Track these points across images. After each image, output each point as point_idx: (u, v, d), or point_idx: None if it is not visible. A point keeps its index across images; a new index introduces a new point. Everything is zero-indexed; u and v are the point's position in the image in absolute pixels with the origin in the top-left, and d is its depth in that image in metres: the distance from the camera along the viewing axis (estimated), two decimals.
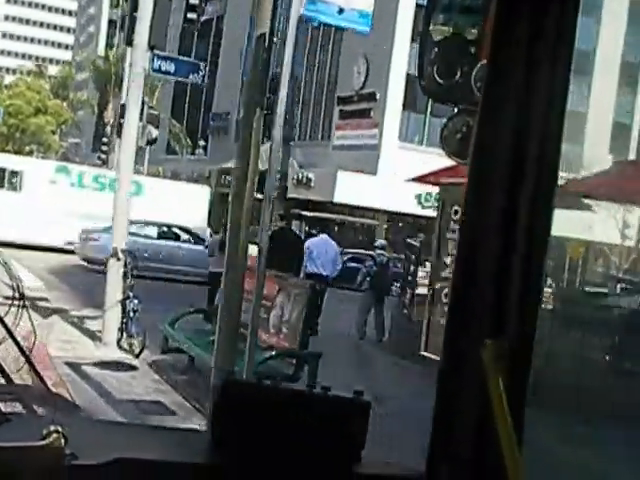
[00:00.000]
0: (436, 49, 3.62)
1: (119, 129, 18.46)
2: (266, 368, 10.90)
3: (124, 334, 15.74)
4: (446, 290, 15.03)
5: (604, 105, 50.85)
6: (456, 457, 2.26)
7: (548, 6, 2.22)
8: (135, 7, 17.34)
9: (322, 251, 20.28)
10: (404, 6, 48.96)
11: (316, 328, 16.03)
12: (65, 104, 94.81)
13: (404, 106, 52.36)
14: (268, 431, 2.21)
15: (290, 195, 51.65)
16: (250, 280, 14.39)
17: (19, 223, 33.13)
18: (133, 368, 14.33)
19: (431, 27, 3.62)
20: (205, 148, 73.11)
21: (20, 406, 2.63)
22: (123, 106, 18.04)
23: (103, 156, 57.32)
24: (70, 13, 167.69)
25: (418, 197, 49.98)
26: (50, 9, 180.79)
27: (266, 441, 2.21)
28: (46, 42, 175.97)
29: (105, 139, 60.01)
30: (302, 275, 18.88)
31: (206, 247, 25.96)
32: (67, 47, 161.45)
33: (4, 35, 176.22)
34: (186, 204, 36.67)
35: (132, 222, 17.95)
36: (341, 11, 12.75)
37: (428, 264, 21.57)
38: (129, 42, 17.92)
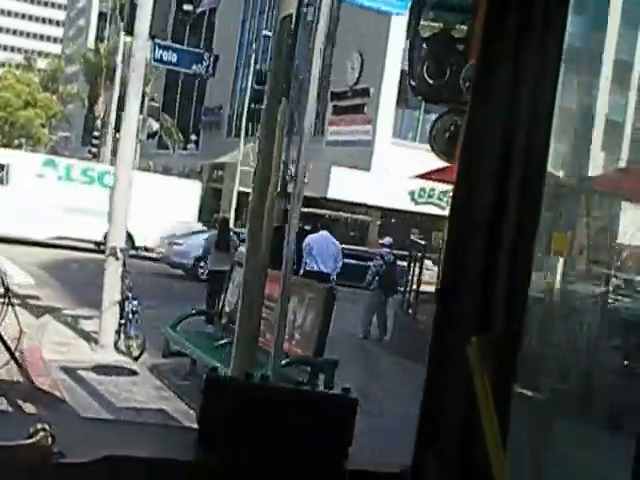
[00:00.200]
0: (425, 47, 3.64)
1: (117, 122, 17.76)
2: (279, 376, 10.25)
3: (122, 336, 15.11)
4: None
5: (597, 103, 50.48)
6: (442, 454, 2.27)
7: None
8: None
9: (322, 248, 19.80)
10: None
11: None
12: (55, 97, 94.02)
13: (398, 102, 51.97)
14: (256, 428, 2.22)
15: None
16: None
17: (5, 217, 32.55)
18: (133, 373, 13.68)
19: (420, 24, 3.61)
20: (197, 143, 72.78)
21: (6, 402, 2.64)
22: (122, 98, 17.29)
23: (94, 150, 56.58)
24: (60, 6, 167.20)
25: (412, 193, 49.77)
26: (39, 2, 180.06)
27: (254, 438, 2.21)
28: (35, 35, 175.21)
29: (96, 132, 59.25)
30: (301, 272, 18.38)
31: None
32: (56, 40, 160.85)
33: None
34: (176, 199, 36.05)
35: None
36: None
37: (427, 262, 21.22)
38: (129, 31, 17.12)
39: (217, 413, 2.23)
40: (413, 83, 3.68)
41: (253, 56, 60.80)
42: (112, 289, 15.40)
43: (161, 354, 14.25)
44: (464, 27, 3.35)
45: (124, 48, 46.70)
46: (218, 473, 2.19)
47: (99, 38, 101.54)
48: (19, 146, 78.08)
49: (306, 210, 50.24)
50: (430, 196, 48.66)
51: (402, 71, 47.79)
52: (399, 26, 49.33)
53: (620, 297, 13.65)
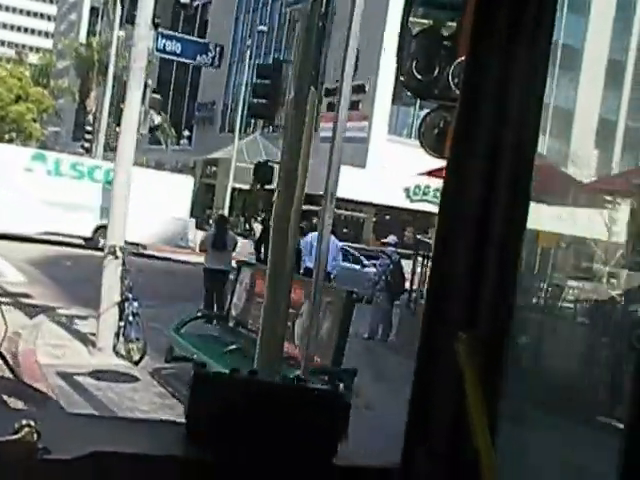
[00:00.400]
0: (415, 43, 3.61)
1: (110, 117, 17.04)
2: None
3: (121, 339, 14.45)
4: None
5: (591, 102, 51.18)
6: (432, 451, 2.28)
7: None
8: None
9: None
10: None
11: None
12: (46, 92, 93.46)
13: (393, 99, 51.74)
14: (245, 424, 2.21)
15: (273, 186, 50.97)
16: (262, 282, 13.31)
17: None
18: (134, 379, 12.99)
19: (410, 20, 3.62)
20: (189, 138, 72.68)
21: None
22: (117, 92, 16.56)
23: (87, 145, 55.94)
24: (51, 1, 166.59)
25: (407, 190, 49.65)
26: None
27: (243, 433, 2.20)
28: (26, 29, 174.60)
29: (89, 127, 58.65)
30: (301, 271, 17.85)
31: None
32: (48, 35, 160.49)
33: None
34: (168, 194, 35.40)
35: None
36: None
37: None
38: (130, 20, 16.42)
39: (205, 408, 2.21)
40: (402, 78, 3.67)
41: (248, 52, 60.46)
42: (111, 289, 14.72)
43: (163, 358, 13.51)
44: (453, 24, 3.31)
45: (118, 42, 46.54)
46: (206, 468, 2.16)
47: (91, 33, 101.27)
48: (10, 141, 77.21)
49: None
50: (425, 193, 48.53)
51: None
52: (395, 23, 49.07)
53: None
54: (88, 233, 34.23)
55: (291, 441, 2.23)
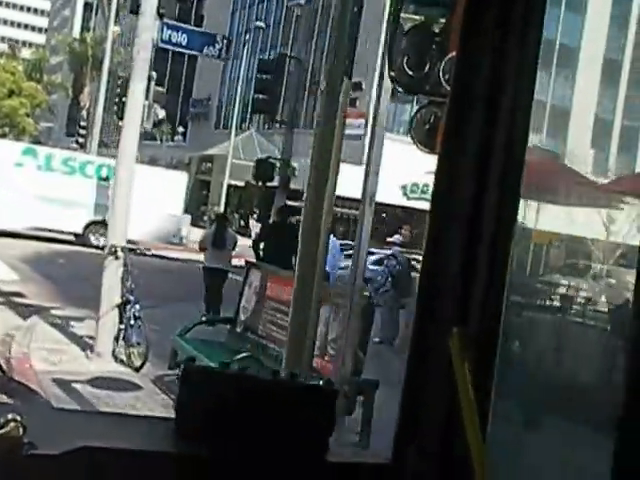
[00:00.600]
0: (405, 40, 3.65)
1: (120, 109, 16.39)
2: None
3: (122, 343, 13.81)
4: None
5: (587, 101, 51.62)
6: (423, 447, 2.30)
7: None
8: None
9: None
10: None
11: None
12: (39, 87, 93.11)
13: (390, 97, 51.35)
14: (235, 419, 2.20)
15: (273, 184, 50.91)
16: (273, 285, 12.73)
17: None
18: (135, 386, 12.34)
19: (401, 16, 3.64)
20: (184, 134, 72.48)
21: None
22: (126, 82, 15.88)
23: (81, 140, 55.27)
24: None
25: (404, 188, 49.39)
26: None
27: (232, 429, 2.18)
28: (19, 24, 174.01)
29: (83, 122, 58.04)
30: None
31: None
32: (41, 30, 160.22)
33: None
34: (161, 190, 34.80)
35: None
36: None
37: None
38: (135, 10, 15.74)
39: (195, 403, 2.20)
40: (393, 74, 3.68)
41: (246, 47, 60.19)
42: (111, 291, 14.06)
43: (165, 364, 12.80)
44: (443, 20, 3.34)
45: (112, 37, 46.08)
46: (196, 464, 2.15)
47: (85, 29, 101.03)
48: (3, 135, 76.64)
49: (297, 204, 50.16)
50: (423, 192, 48.32)
51: None
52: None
53: None
54: (79, 229, 33.99)
55: (282, 436, 2.21)
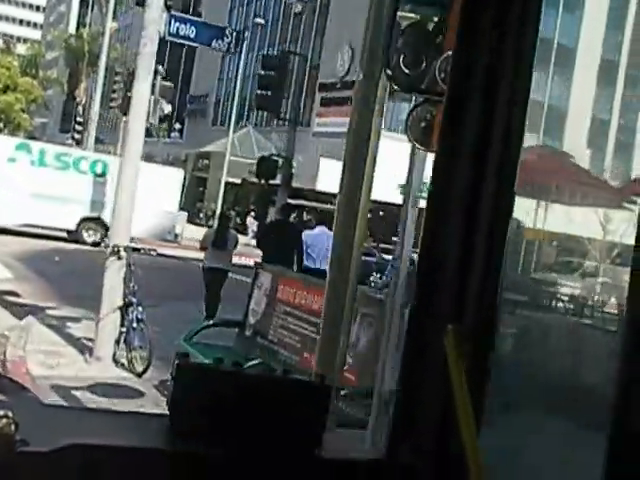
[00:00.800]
0: (402, 38, 3.56)
1: (124, 103, 15.85)
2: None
3: (123, 347, 13.30)
4: None
5: (584, 100, 51.67)
6: (416, 443, 2.34)
7: None
8: None
9: (320, 244, 18.16)
10: None
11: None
12: (35, 82, 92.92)
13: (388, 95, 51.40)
14: (228, 415, 2.20)
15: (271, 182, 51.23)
16: (285, 287, 12.19)
17: None
18: (138, 393, 11.82)
19: (398, 15, 3.57)
20: (181, 131, 72.28)
21: None
22: (132, 75, 15.33)
23: (77, 136, 54.88)
24: None
25: (402, 186, 48.99)
26: None
27: (226, 425, 2.20)
28: (14, 20, 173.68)
29: (79, 118, 57.63)
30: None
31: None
32: (36, 26, 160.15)
33: None
34: (156, 186, 34.34)
35: None
36: None
37: None
38: (141, 2, 15.21)
39: (189, 400, 2.19)
40: (389, 72, 3.62)
41: (244, 44, 59.79)
42: (113, 292, 13.52)
43: (169, 369, 12.18)
44: (440, 19, 3.29)
45: (110, 32, 45.70)
46: (189, 461, 2.14)
47: (81, 24, 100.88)
48: None
49: (294, 202, 50.35)
50: (420, 190, 47.94)
51: None
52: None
53: None
54: (72, 226, 33.61)
55: (276, 432, 2.21)
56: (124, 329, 13.35)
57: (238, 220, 55.42)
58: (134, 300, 13.37)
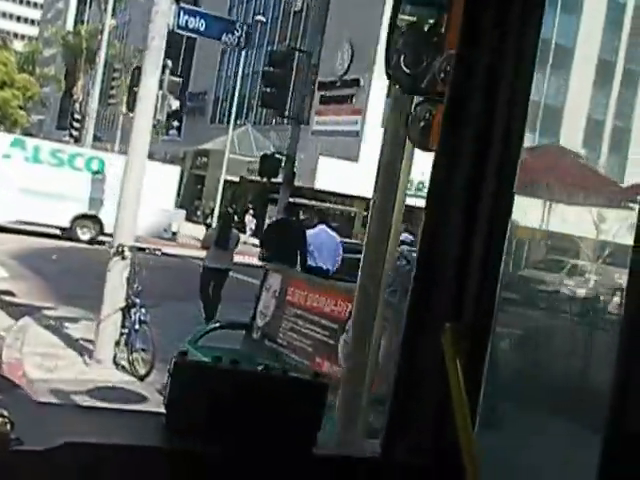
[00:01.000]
0: (403, 39, 3.58)
1: (130, 99, 15.45)
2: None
3: (124, 349, 12.97)
4: None
5: (580, 101, 52.02)
6: (412, 441, 2.35)
7: None
8: None
9: (321, 243, 17.92)
10: None
11: None
12: (32, 79, 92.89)
13: (388, 93, 51.05)
14: (224, 413, 2.20)
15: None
16: (295, 289, 11.82)
17: None
18: (140, 397, 11.43)
19: (399, 16, 3.60)
20: (179, 129, 72.15)
21: None
22: (138, 70, 14.93)
23: (75, 133, 54.54)
24: None
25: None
26: None
27: (222, 423, 2.19)
28: (12, 16, 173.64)
29: (77, 115, 57.31)
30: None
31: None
32: (34, 22, 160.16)
33: None
34: (152, 184, 33.97)
35: None
36: None
37: None
38: None
39: (185, 398, 2.18)
40: (390, 72, 3.64)
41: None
42: (115, 292, 13.16)
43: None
44: (441, 19, 3.23)
45: (109, 28, 45.42)
46: (186, 459, 2.13)
47: (78, 21, 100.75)
48: None
49: (292, 200, 50.32)
50: (419, 189, 47.64)
51: None
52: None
53: None
54: (66, 223, 33.41)
55: (271, 430, 2.20)
56: (125, 330, 13.05)
57: (236, 218, 55.31)
58: (137, 301, 13.06)
